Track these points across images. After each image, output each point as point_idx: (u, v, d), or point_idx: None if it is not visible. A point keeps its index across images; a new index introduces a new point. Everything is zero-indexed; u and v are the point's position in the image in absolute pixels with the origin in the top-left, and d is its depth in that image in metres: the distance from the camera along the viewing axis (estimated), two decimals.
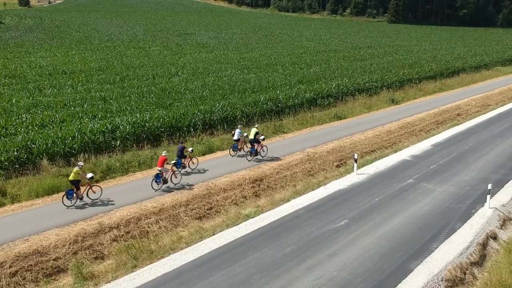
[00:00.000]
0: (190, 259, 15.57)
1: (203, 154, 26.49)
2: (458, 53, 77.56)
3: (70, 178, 19.07)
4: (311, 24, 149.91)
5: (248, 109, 33.21)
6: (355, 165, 24.34)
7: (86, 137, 24.67)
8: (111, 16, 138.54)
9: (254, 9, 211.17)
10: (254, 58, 64.07)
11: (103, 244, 16.78)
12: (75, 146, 23.98)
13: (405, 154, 27.70)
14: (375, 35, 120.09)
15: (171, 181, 21.34)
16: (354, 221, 18.42)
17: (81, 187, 19.25)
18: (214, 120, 30.78)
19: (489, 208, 19.34)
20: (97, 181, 21.43)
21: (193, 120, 29.63)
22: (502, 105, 43.37)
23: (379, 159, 26.65)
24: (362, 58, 67.00)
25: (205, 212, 19.83)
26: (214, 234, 17.43)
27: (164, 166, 20.88)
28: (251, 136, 25.30)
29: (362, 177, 23.69)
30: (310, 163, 25.73)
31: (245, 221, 18.55)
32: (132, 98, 34.97)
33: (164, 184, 20.94)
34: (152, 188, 20.61)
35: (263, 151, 25.88)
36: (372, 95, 43.44)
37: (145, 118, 28.23)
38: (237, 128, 26.41)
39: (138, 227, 18.08)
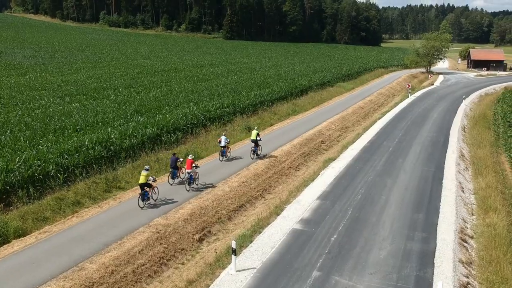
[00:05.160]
0: None
1: None
2: (300, 70, 76.59)
3: (141, 181, 20.05)
4: (145, 40, 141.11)
5: (66, 159, 23.60)
6: (234, 257, 15.55)
7: None
8: None
9: (81, 24, 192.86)
10: (80, 81, 53.39)
11: None
12: None
13: (292, 218, 20.09)
14: (214, 51, 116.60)
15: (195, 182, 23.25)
16: None
17: (147, 189, 20.21)
18: (13, 183, 20.63)
19: None
20: None
21: None
22: (364, 128, 40.01)
23: (259, 233, 18.58)
24: (206, 78, 60.84)
25: None
26: None
27: (192, 168, 22.67)
28: (253, 137, 28.26)
29: (245, 279, 14.88)
30: (161, 243, 17.60)
31: None
32: None
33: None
34: (186, 190, 22.35)
35: (260, 150, 28.84)
36: (226, 124, 36.96)
37: None
38: (222, 135, 28.37)
39: None
